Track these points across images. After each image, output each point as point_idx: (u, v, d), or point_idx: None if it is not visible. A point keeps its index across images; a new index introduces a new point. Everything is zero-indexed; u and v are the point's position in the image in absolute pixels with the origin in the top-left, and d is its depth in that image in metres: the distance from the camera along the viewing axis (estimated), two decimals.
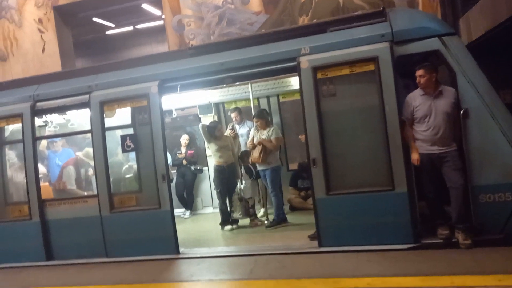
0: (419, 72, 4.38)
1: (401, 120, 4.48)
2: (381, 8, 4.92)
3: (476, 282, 3.34)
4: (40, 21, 11.64)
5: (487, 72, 4.40)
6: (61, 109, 5.92)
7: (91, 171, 6.43)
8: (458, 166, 4.30)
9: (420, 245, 4.38)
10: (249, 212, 6.41)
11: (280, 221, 6.10)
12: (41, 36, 11.67)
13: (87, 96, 5.60)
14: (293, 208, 7.05)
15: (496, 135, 4.23)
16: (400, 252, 4.32)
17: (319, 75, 4.76)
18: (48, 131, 6.51)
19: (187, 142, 7.73)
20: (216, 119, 7.52)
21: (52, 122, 6.42)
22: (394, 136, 4.45)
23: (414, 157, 4.45)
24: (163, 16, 11.86)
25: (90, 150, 6.30)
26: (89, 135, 5.68)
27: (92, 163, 5.99)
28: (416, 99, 4.46)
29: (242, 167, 6.56)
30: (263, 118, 6.26)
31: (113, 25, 16.09)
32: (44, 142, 6.76)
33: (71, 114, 6.24)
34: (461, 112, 4.29)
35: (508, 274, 3.42)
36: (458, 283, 3.37)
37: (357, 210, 4.59)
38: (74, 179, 6.41)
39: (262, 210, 6.76)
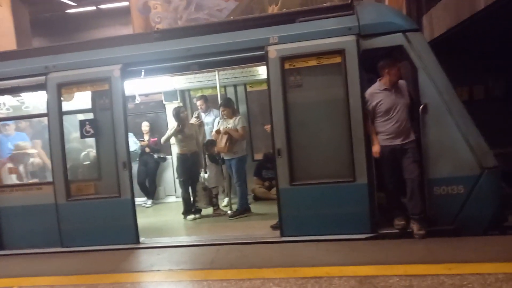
0: (396, 69, 4.46)
1: (365, 113, 4.56)
2: (349, 1, 4.96)
3: (428, 271, 3.48)
4: None
5: (446, 69, 4.56)
6: (15, 90, 5.59)
7: (31, 161, 6.17)
8: (417, 158, 4.47)
9: (377, 235, 4.53)
10: (213, 201, 6.38)
11: (243, 211, 6.10)
12: None
13: (43, 77, 5.30)
14: (256, 198, 7.08)
15: (452, 130, 4.41)
16: (358, 241, 4.44)
17: (287, 65, 4.76)
18: (1, 113, 6.13)
19: (147, 129, 7.55)
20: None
21: (5, 104, 6.04)
22: (357, 129, 4.54)
23: (375, 149, 4.57)
24: None
25: (21, 143, 6.11)
26: (44, 119, 5.39)
27: (29, 151, 5.94)
28: (377, 95, 4.56)
29: (207, 155, 6.49)
30: (229, 107, 6.20)
31: (74, 4, 15.31)
32: None
33: (26, 96, 5.90)
34: (420, 107, 4.43)
35: (458, 263, 3.59)
36: (411, 271, 3.50)
37: (319, 201, 4.67)
38: (15, 176, 6.02)
39: (226, 199, 6.73)
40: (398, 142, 4.50)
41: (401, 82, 4.59)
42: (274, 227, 5.06)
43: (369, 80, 4.97)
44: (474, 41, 6.31)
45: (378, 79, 4.67)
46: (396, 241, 4.39)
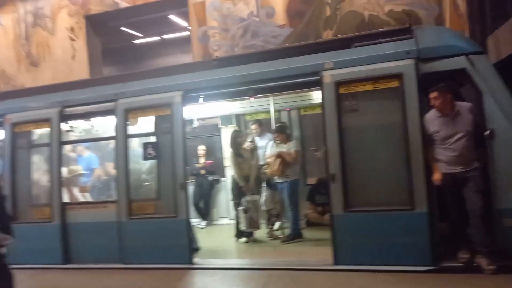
0: (433, 94, 4.27)
1: (425, 139, 4.38)
2: (407, 25, 4.88)
3: None
4: (72, 29, 12.08)
5: None
6: (87, 115, 6.10)
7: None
8: (480, 188, 4.17)
9: (439, 268, 4.25)
10: (255, 224, 6.21)
11: (295, 236, 6.03)
12: (71, 43, 12.09)
13: (113, 103, 5.74)
14: (309, 223, 6.96)
15: None
16: (417, 274, 4.20)
17: (342, 90, 4.74)
18: (73, 136, 6.70)
19: (203, 152, 7.79)
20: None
21: (78, 127, 6.60)
22: (416, 154, 4.37)
23: (436, 177, 4.34)
24: (189, 27, 12.08)
25: (72, 167, 6.72)
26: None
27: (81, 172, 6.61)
28: (434, 122, 4.35)
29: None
30: (283, 132, 6.24)
31: (141, 35, 16.51)
32: (67, 146, 6.94)
33: (95, 120, 6.42)
34: (487, 132, 4.17)
35: None
36: None
37: (375, 229, 4.50)
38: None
39: (278, 223, 6.70)
40: (458, 170, 4.24)
41: (464, 106, 4.32)
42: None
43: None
44: None
45: None
46: (460, 276, 4.08)
